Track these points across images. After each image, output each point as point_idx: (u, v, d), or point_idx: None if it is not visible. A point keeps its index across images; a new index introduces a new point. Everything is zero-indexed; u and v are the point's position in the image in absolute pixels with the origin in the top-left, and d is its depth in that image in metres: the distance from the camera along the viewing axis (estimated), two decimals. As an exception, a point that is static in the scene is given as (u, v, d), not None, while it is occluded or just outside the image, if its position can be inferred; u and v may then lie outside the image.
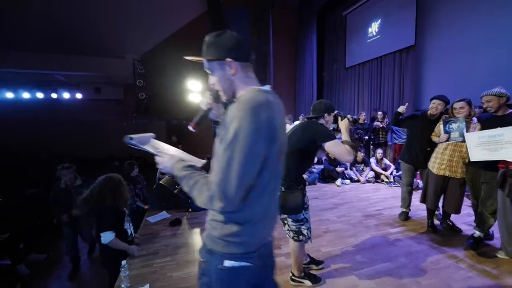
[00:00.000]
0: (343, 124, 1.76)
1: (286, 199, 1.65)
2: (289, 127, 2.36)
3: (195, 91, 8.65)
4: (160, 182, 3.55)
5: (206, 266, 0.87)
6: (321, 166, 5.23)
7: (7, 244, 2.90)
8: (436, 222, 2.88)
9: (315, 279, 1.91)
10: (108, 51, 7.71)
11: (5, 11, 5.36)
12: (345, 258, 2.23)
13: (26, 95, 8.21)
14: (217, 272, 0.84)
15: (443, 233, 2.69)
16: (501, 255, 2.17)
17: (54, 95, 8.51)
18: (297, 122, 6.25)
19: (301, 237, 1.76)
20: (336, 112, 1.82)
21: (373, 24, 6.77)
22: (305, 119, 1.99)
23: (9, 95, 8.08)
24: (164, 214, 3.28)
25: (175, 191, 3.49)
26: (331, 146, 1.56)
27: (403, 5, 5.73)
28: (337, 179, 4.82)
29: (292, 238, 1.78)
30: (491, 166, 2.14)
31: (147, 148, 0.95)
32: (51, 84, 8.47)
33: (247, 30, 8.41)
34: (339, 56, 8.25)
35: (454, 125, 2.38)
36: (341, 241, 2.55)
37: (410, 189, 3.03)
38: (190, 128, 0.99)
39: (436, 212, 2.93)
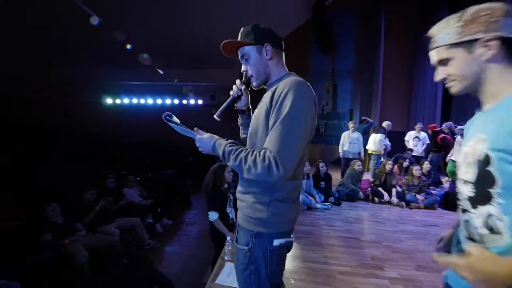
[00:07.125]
0: None
1: None
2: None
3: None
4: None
5: (254, 251, 0.83)
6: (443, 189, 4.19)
7: (152, 207, 3.91)
8: None
9: None
10: (219, 62, 9.12)
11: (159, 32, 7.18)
12: None
13: (168, 101, 10.98)
14: (264, 254, 0.82)
15: None
16: None
17: (184, 101, 10.94)
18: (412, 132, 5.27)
19: None
20: None
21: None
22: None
23: (159, 101, 10.98)
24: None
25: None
26: None
27: None
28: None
29: None
30: None
31: (185, 127, 0.88)
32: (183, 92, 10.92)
33: (353, 33, 7.93)
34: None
35: None
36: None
37: None
38: (216, 117, 0.94)
39: None
